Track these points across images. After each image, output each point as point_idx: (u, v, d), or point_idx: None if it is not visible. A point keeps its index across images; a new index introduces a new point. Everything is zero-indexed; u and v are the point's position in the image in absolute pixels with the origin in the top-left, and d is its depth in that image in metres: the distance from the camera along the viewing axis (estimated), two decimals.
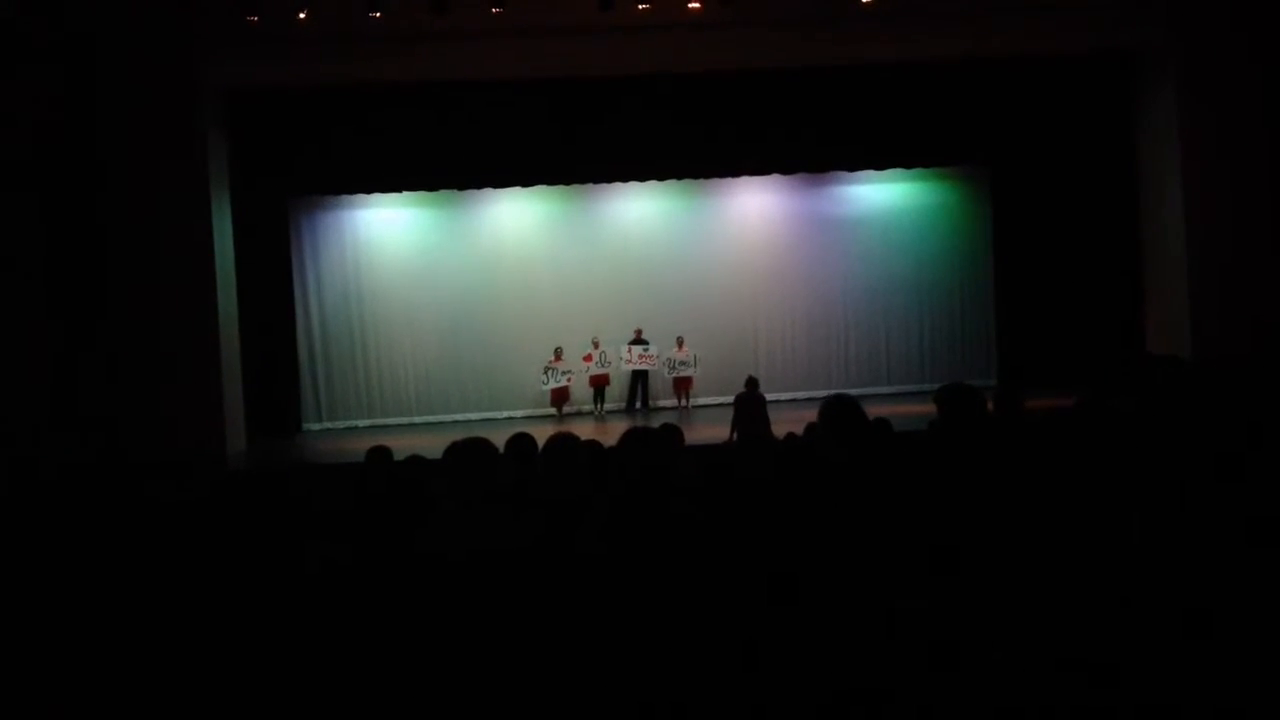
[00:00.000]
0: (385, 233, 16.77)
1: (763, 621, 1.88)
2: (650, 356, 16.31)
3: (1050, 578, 1.53)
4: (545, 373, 16.06)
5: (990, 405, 4.71)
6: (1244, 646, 1.13)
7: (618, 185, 16.56)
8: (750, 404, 11.79)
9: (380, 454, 6.56)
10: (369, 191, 15.95)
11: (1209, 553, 1.18)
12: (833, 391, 16.96)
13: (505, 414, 16.24)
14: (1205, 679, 1.13)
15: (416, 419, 16.48)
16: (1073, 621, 1.24)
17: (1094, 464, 2.65)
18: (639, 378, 16.49)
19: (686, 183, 16.65)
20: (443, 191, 16.18)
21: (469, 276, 16.68)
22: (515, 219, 16.93)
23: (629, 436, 3.69)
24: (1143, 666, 1.17)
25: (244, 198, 14.59)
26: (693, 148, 15.02)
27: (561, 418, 15.77)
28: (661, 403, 16.62)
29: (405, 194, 16.22)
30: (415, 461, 6.25)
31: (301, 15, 12.73)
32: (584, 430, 13.00)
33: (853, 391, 16.86)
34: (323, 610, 1.99)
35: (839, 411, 3.83)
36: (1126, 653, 1.19)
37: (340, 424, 16.39)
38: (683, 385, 16.29)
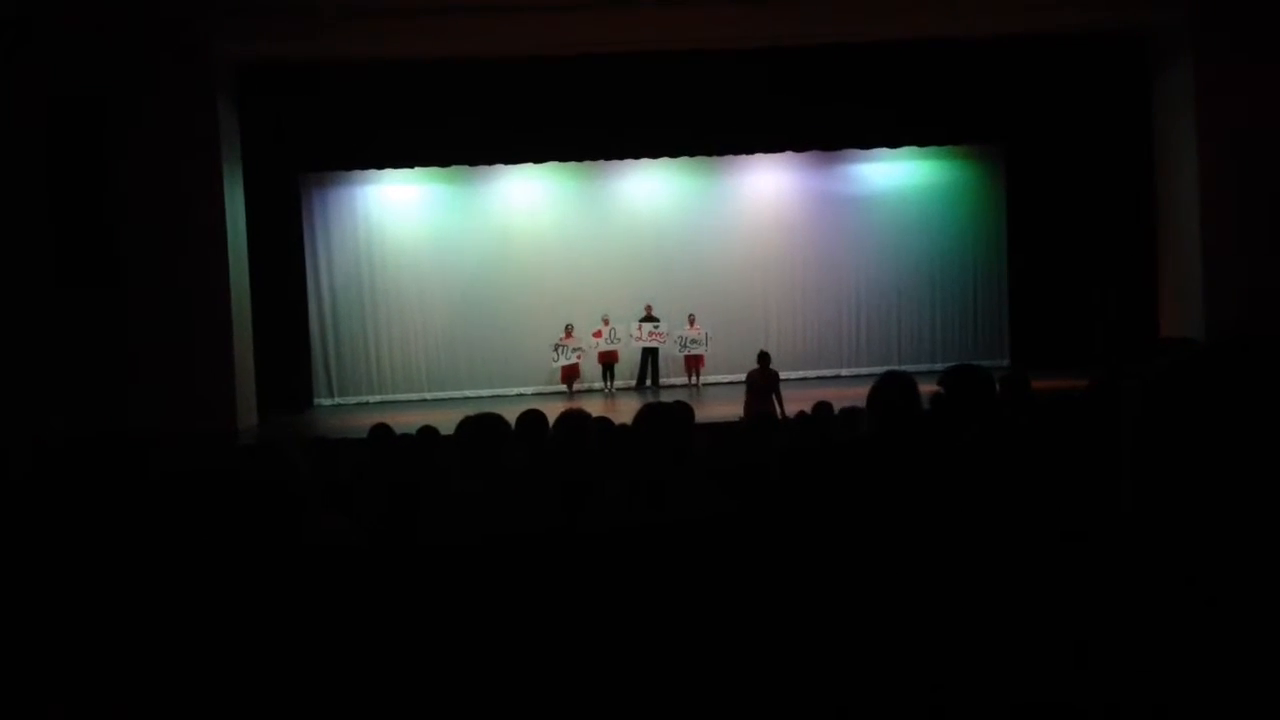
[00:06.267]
0: (396, 209, 16.76)
1: (787, 611, 1.86)
2: (660, 334, 16.29)
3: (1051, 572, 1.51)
4: (556, 350, 16.05)
5: (999, 388, 4.69)
6: (1245, 641, 1.11)
7: (629, 162, 16.51)
8: (763, 380, 11.64)
9: (381, 431, 6.57)
10: (380, 167, 15.93)
11: (1213, 541, 1.16)
12: (845, 370, 17.02)
13: (515, 390, 16.26)
14: (1203, 675, 1.11)
15: (427, 395, 16.51)
16: (1075, 616, 1.23)
17: (1106, 447, 2.63)
18: (649, 355, 16.48)
19: (699, 160, 16.59)
20: (454, 168, 16.15)
21: (480, 253, 16.67)
22: (526, 195, 16.90)
23: (646, 412, 3.64)
24: (1140, 660, 1.15)
25: (255, 173, 14.56)
26: (705, 124, 14.92)
27: (572, 395, 15.77)
28: (672, 380, 16.61)
29: (417, 170, 16.20)
30: (425, 434, 6.25)
31: None
32: (594, 407, 12.97)
33: (861, 371, 16.89)
34: (326, 589, 1.99)
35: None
36: (1125, 645, 1.17)
37: (351, 400, 16.44)
38: (694, 363, 16.27)
